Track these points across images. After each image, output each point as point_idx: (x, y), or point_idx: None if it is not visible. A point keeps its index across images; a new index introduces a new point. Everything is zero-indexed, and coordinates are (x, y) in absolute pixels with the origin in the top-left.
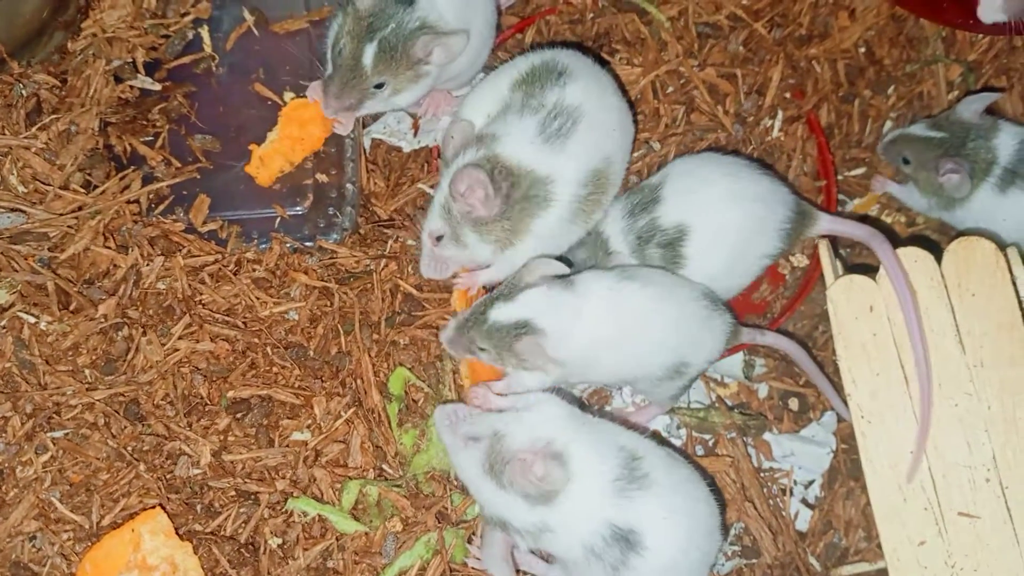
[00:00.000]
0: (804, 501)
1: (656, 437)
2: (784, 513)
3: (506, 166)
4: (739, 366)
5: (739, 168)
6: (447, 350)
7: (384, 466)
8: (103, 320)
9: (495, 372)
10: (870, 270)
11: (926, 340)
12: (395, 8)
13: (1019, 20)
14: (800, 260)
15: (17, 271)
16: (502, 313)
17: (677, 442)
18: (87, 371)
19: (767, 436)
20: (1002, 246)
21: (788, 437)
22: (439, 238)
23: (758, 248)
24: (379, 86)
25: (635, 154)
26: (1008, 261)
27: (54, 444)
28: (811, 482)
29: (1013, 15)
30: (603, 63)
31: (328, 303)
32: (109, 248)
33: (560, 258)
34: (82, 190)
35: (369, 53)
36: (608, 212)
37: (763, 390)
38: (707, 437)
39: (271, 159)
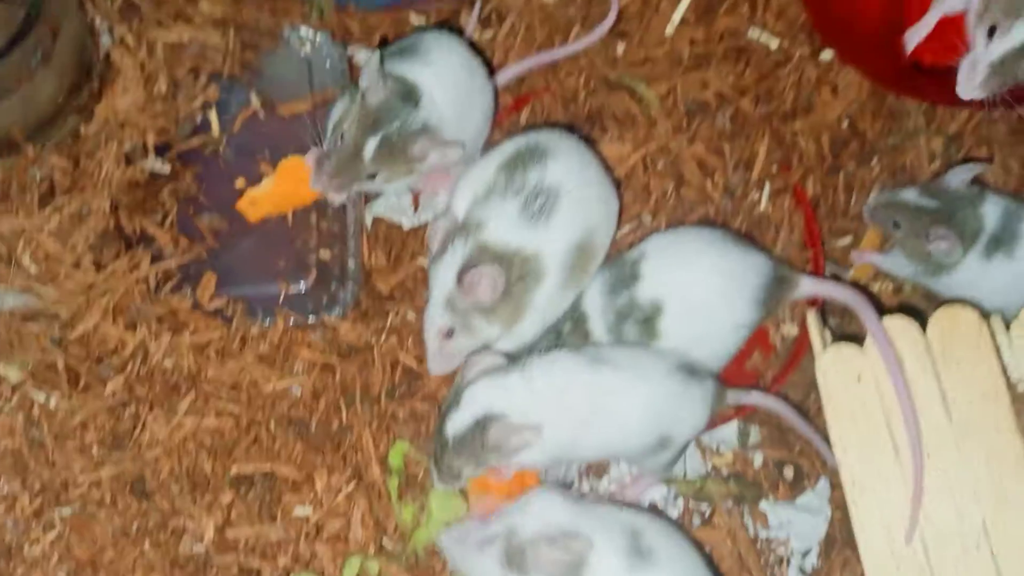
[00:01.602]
0: (801, 570)
1: (652, 509)
2: None
3: (496, 252)
4: (734, 435)
5: (711, 242)
6: (439, 485)
7: (385, 540)
8: (111, 397)
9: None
10: (859, 339)
11: (914, 405)
12: (401, 107)
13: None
14: (790, 329)
15: (28, 350)
16: (457, 422)
17: (674, 512)
18: (95, 448)
19: (763, 505)
20: (985, 314)
21: (784, 506)
22: (450, 332)
23: (730, 319)
24: (372, 175)
25: (627, 227)
26: (992, 329)
27: (61, 522)
28: (808, 551)
29: (991, 92)
30: (588, 141)
31: (330, 377)
32: (118, 326)
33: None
34: (92, 269)
35: (371, 146)
36: (588, 288)
37: (758, 459)
38: (704, 507)
39: (262, 203)
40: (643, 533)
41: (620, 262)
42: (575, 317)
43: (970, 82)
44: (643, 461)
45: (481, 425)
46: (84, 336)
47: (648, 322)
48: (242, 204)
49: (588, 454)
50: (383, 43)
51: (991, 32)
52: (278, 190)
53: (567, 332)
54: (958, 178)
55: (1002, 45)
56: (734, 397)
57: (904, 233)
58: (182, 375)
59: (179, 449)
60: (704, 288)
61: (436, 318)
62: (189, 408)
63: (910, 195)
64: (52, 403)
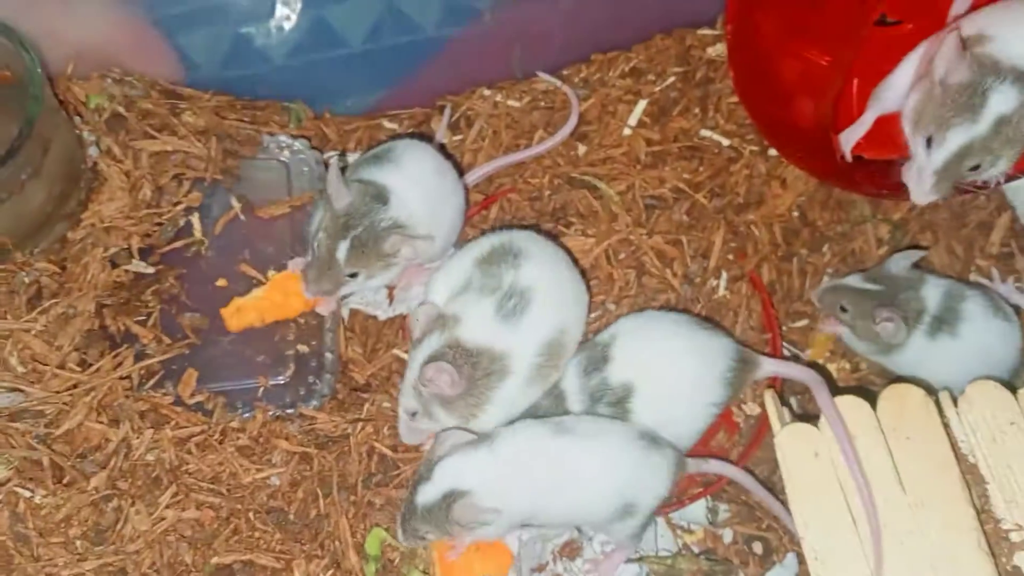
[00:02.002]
0: None
1: None
2: None
3: (466, 348)
4: (703, 513)
5: (679, 325)
6: (406, 544)
7: None
8: (94, 492)
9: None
10: (816, 418)
11: (866, 477)
12: (369, 207)
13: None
14: (752, 408)
15: (15, 447)
16: (427, 494)
17: None
18: (78, 542)
19: None
20: (932, 391)
21: None
22: (413, 414)
23: (703, 398)
24: (353, 275)
25: (593, 315)
26: (940, 405)
27: None
28: None
29: (943, 195)
30: (553, 236)
31: (308, 467)
32: (102, 423)
33: None
34: (78, 369)
35: (343, 248)
36: (567, 368)
37: (728, 535)
38: None
39: (247, 312)
40: None
41: (592, 344)
42: (555, 394)
43: (921, 190)
44: (610, 529)
45: (448, 500)
46: (69, 433)
47: (620, 403)
48: (227, 312)
49: (555, 521)
50: (343, 152)
51: (928, 142)
52: (265, 301)
53: (547, 408)
54: (899, 264)
55: (942, 153)
56: (695, 465)
57: (851, 316)
58: (164, 469)
59: (160, 541)
60: (676, 369)
61: (405, 400)
62: (170, 501)
63: (854, 280)
64: (37, 499)
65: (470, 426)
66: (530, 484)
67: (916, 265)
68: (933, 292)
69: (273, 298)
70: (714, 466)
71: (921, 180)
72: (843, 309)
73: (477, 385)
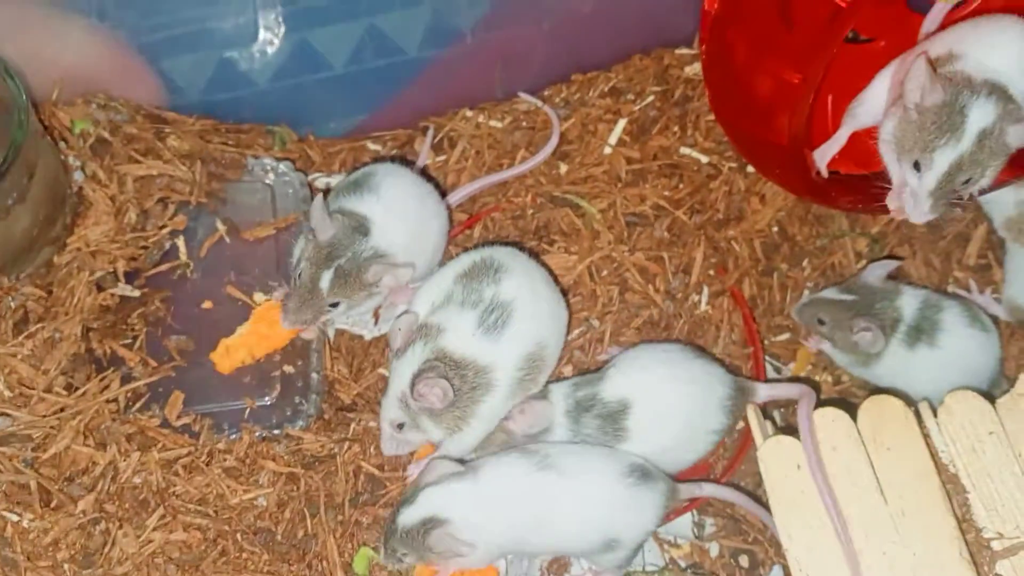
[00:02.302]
0: None
1: None
2: None
3: (454, 359)
4: (690, 527)
5: (676, 353)
6: (383, 562)
7: None
8: (82, 516)
9: None
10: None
11: (831, 489)
12: (352, 238)
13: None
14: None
15: (2, 472)
16: (408, 517)
17: None
18: (66, 566)
19: None
20: (911, 402)
21: None
22: (400, 425)
23: (705, 424)
24: (334, 304)
25: (576, 330)
26: (919, 415)
27: None
28: None
29: (940, 213)
30: (536, 253)
31: (295, 487)
32: (89, 446)
33: None
34: (64, 392)
35: (326, 279)
36: (555, 393)
37: (714, 549)
38: None
39: (236, 350)
40: None
41: (590, 379)
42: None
43: (919, 211)
44: (594, 560)
45: (426, 526)
46: (56, 457)
47: (612, 418)
48: (216, 355)
49: (537, 552)
50: (328, 188)
51: (916, 166)
52: (253, 335)
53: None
54: (874, 274)
55: (932, 175)
56: (687, 491)
57: (829, 328)
58: (151, 491)
59: (148, 564)
60: (676, 391)
61: (389, 411)
62: (158, 523)
63: (830, 293)
64: (25, 523)
65: (455, 438)
66: (511, 519)
67: (892, 277)
68: (909, 302)
69: (259, 331)
70: (708, 490)
71: (918, 203)
72: (821, 322)
73: (463, 398)
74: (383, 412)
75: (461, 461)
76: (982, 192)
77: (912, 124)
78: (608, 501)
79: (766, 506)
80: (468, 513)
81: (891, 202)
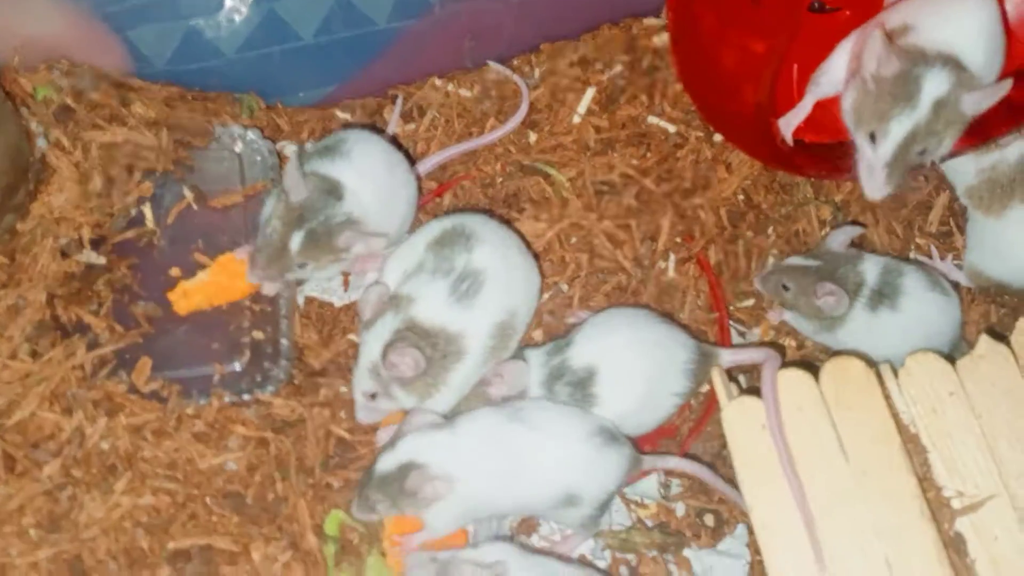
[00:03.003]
0: None
1: (582, 561)
2: None
3: (424, 328)
4: (656, 487)
5: (640, 318)
6: (357, 516)
7: None
8: (48, 481)
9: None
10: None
11: (788, 447)
12: (324, 201)
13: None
14: (702, 385)
15: None
16: (386, 463)
17: (602, 563)
18: (32, 531)
19: (687, 552)
20: (873, 363)
21: (707, 552)
22: (373, 395)
23: (667, 387)
24: (302, 265)
25: (546, 295)
26: (880, 377)
27: None
28: None
29: (897, 186)
30: (507, 221)
31: (265, 452)
32: (54, 412)
33: None
34: (29, 359)
35: (296, 239)
36: (531, 357)
37: (680, 509)
38: (630, 557)
39: (193, 294)
40: None
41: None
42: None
43: (874, 185)
44: (556, 517)
45: (404, 470)
46: (21, 423)
47: (582, 386)
48: (174, 295)
49: (504, 509)
50: (301, 147)
51: (872, 138)
52: (212, 284)
53: None
54: (837, 240)
55: (887, 145)
56: (650, 462)
57: (793, 294)
58: (118, 456)
59: (116, 528)
60: (641, 354)
61: (360, 382)
62: (126, 488)
63: (794, 260)
64: None
65: (427, 404)
66: (483, 470)
67: (855, 245)
68: (871, 267)
69: (219, 281)
70: (671, 462)
71: (873, 176)
72: (785, 288)
73: (434, 366)
74: (355, 383)
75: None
76: (942, 159)
77: (869, 95)
78: (572, 457)
79: (728, 479)
80: (444, 460)
81: (862, 175)
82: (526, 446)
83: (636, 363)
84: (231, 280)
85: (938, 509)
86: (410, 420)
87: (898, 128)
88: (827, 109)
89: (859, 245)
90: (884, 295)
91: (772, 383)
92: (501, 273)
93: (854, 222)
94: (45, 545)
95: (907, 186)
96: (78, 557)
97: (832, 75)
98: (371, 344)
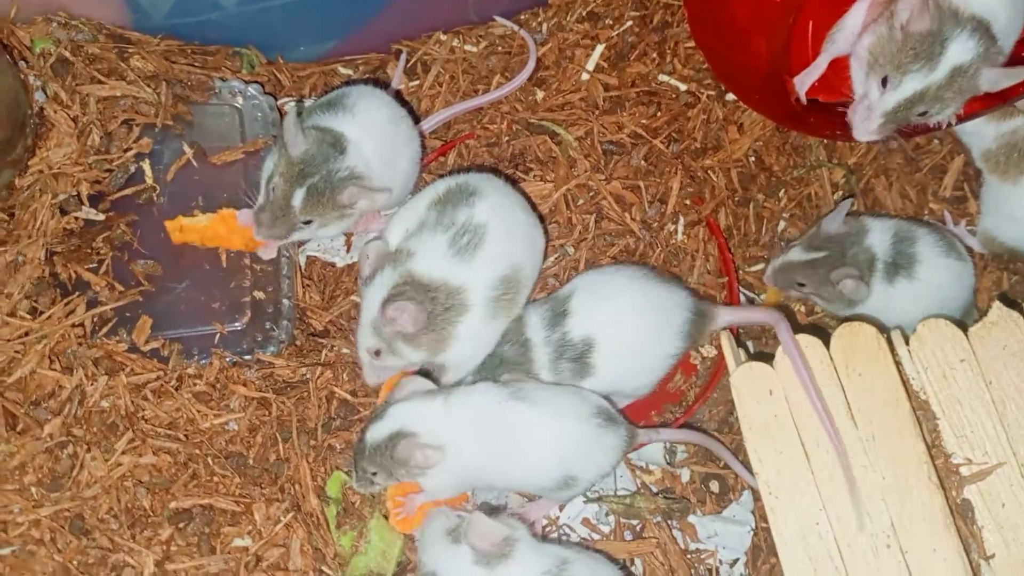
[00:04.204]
0: None
1: (586, 525)
2: None
3: (422, 283)
4: (661, 453)
5: (637, 280)
6: (358, 491)
7: (324, 568)
8: (49, 439)
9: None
10: (771, 358)
11: (825, 402)
12: (326, 155)
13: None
14: (710, 351)
15: None
16: (376, 432)
17: (606, 529)
18: (33, 489)
19: (691, 518)
20: (884, 329)
21: (711, 518)
22: (377, 352)
23: (661, 350)
24: (307, 222)
25: (552, 258)
26: (891, 343)
27: (1, 562)
28: (735, 560)
29: (884, 135)
30: (512, 181)
31: (266, 412)
32: (55, 370)
33: None
34: (28, 316)
35: (299, 196)
36: (531, 319)
37: (685, 474)
38: (634, 522)
39: (189, 231)
40: (572, 563)
41: (554, 298)
42: (520, 342)
43: (866, 127)
44: (548, 495)
45: (394, 439)
46: (21, 381)
47: (581, 358)
48: (171, 225)
49: (496, 483)
50: (300, 99)
51: (884, 82)
52: (209, 228)
53: (511, 356)
54: (834, 222)
55: (895, 96)
56: (645, 436)
57: (811, 288)
58: (119, 415)
59: (117, 487)
60: (633, 323)
61: (364, 339)
62: (127, 447)
63: (797, 254)
64: None
65: (438, 360)
66: (477, 443)
67: (864, 211)
68: (879, 238)
69: (217, 228)
70: (665, 435)
71: (869, 118)
72: (800, 284)
73: (438, 320)
74: (359, 340)
75: (436, 383)
76: (959, 121)
77: (892, 42)
78: (573, 438)
79: (732, 431)
80: (435, 428)
81: (852, 112)
82: (528, 425)
83: (633, 332)
84: (228, 232)
85: (946, 476)
86: (401, 388)
87: (910, 83)
88: (842, 69)
89: (871, 209)
90: (899, 266)
91: (792, 340)
92: (503, 227)
93: (867, 187)
94: (47, 503)
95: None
96: (79, 515)
97: (849, 33)
98: (371, 300)
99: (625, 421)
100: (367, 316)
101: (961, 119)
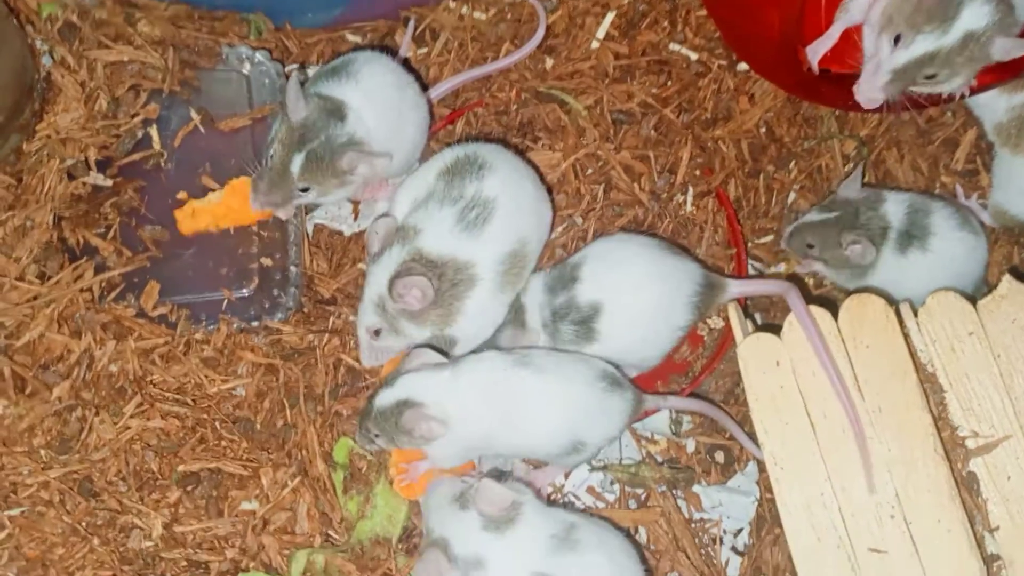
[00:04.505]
0: (734, 549)
1: (591, 493)
2: (715, 561)
3: (429, 259)
4: (667, 423)
5: (648, 250)
6: (359, 444)
7: (330, 532)
8: (57, 402)
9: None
10: (779, 329)
11: (839, 370)
12: (326, 122)
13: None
14: (716, 322)
15: None
16: (384, 398)
17: (610, 497)
18: (42, 451)
19: (696, 488)
20: (892, 301)
21: (716, 488)
22: (377, 332)
23: (670, 322)
24: (304, 189)
25: (560, 228)
26: (900, 315)
27: (11, 522)
28: (740, 530)
29: (890, 96)
30: (520, 150)
31: (274, 379)
32: (63, 334)
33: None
34: (37, 281)
35: (297, 162)
36: (530, 286)
37: (691, 445)
38: (639, 491)
39: (201, 215)
40: (578, 528)
41: (563, 265)
42: (515, 307)
43: (871, 85)
44: (555, 461)
45: (400, 407)
46: (30, 344)
47: (585, 323)
48: (181, 214)
49: (504, 452)
50: (302, 65)
51: (896, 40)
52: (221, 206)
53: (506, 321)
54: (850, 187)
55: (906, 54)
56: (652, 402)
57: (819, 250)
58: (128, 379)
59: (126, 450)
60: (648, 294)
61: (365, 317)
62: (135, 411)
63: (812, 216)
64: None
65: (446, 333)
66: (485, 412)
67: (878, 183)
68: (895, 208)
69: (230, 204)
70: (672, 401)
71: (876, 75)
72: (810, 246)
73: (445, 296)
74: (359, 319)
75: (446, 355)
76: (972, 93)
77: (908, 3)
78: (580, 403)
79: (738, 402)
80: (443, 399)
81: (865, 72)
82: (534, 391)
83: (642, 302)
84: (242, 204)
85: (952, 448)
86: (412, 358)
87: (922, 43)
88: (853, 41)
89: (882, 182)
90: (913, 236)
91: (803, 308)
92: (512, 202)
93: (879, 160)
94: (56, 465)
95: (934, 121)
96: (88, 478)
97: (862, 1)
98: (377, 277)
99: (632, 385)
100: (371, 293)
101: (974, 91)
